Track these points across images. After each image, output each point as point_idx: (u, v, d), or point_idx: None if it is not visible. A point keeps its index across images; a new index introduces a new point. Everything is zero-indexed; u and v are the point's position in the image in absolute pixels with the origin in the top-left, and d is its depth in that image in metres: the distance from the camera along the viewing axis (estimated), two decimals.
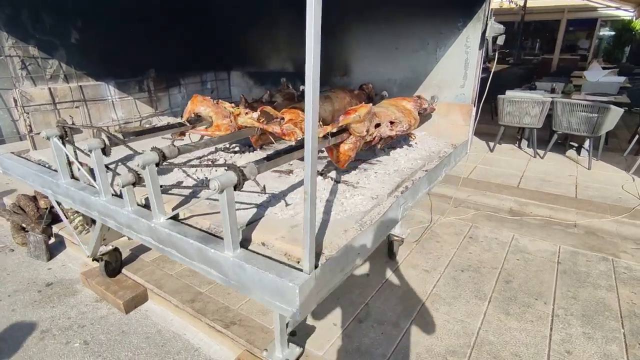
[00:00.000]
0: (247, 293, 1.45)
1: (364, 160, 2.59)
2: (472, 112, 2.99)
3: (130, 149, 1.79)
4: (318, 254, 1.53)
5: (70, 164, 2.18)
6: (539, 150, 6.13)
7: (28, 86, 2.74)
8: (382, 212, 1.87)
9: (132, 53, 3.27)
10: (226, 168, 1.39)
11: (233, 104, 2.46)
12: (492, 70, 2.90)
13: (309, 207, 1.26)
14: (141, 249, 3.34)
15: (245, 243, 1.61)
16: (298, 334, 2.48)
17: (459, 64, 2.97)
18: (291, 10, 3.63)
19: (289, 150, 1.78)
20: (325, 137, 1.94)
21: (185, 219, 1.82)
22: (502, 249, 3.56)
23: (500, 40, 2.71)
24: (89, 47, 3.01)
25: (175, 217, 1.81)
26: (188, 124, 2.29)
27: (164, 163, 1.69)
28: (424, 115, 3.04)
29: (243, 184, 1.40)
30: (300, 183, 2.18)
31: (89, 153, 1.75)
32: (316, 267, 1.42)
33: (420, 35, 3.08)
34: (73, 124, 2.17)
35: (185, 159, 2.58)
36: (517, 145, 6.62)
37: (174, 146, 1.71)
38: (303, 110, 2.20)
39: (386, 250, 3.37)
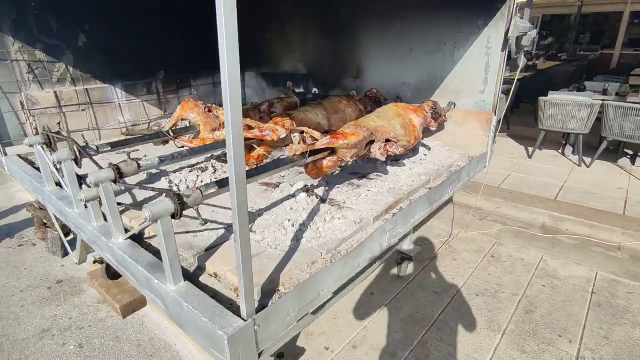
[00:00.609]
0: (186, 332, 1.30)
1: (360, 174, 2.36)
2: (492, 121, 2.65)
3: (96, 163, 1.68)
4: (271, 292, 1.34)
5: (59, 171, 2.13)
6: (585, 158, 5.51)
7: (35, 90, 2.75)
8: (361, 240, 1.64)
9: (141, 55, 3.22)
10: (165, 194, 1.23)
11: None
12: (517, 77, 2.54)
13: (239, 248, 1.07)
14: None
15: (198, 272, 1.46)
16: (286, 357, 2.31)
17: (479, 67, 2.65)
18: (304, 9, 3.43)
19: (261, 169, 1.59)
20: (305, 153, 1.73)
21: (150, 237, 1.70)
22: (527, 271, 3.18)
23: (526, 41, 2.35)
24: (96, 50, 2.98)
25: (140, 235, 1.69)
26: (171, 133, 2.17)
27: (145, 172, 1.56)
28: (436, 127, 2.74)
29: (181, 213, 1.23)
30: (284, 199, 1.99)
31: (57, 165, 1.65)
32: (263, 308, 1.23)
33: (436, 35, 2.79)
34: (59, 131, 2.11)
35: (176, 167, 2.47)
36: (560, 151, 6.00)
37: (133, 160, 1.58)
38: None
39: (396, 267, 3.11)
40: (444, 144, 2.90)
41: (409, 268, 3.07)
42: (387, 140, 2.05)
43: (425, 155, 2.68)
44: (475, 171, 2.63)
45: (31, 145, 2.03)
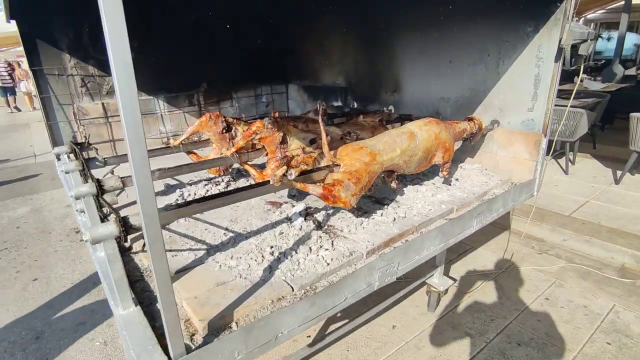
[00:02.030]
0: None
1: (374, 197, 2.14)
2: (541, 144, 2.26)
3: (91, 176, 1.72)
4: (219, 329, 1.22)
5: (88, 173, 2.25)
6: None
7: (86, 101, 2.98)
8: (341, 277, 1.45)
9: (185, 68, 3.35)
10: (114, 215, 1.18)
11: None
12: (574, 91, 2.13)
13: (158, 286, 0.96)
14: None
15: None
16: None
17: (527, 80, 2.28)
18: (342, 22, 3.31)
19: (233, 191, 1.49)
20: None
21: (136, 252, 1.69)
22: (589, 322, 2.65)
23: (584, 50, 1.95)
24: (143, 65, 3.15)
25: (128, 248, 1.69)
26: (181, 145, 2.17)
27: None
28: (473, 141, 2.42)
29: (125, 238, 1.17)
30: (280, 222, 1.87)
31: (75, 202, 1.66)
32: (196, 348, 1.12)
33: (478, 44, 2.47)
34: (84, 142, 2.23)
35: (194, 179, 2.49)
36: None
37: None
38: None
39: (427, 300, 2.80)
40: (484, 166, 2.55)
41: (438, 303, 2.74)
42: (390, 172, 1.82)
43: (457, 179, 2.37)
44: (516, 201, 2.25)
45: (57, 155, 2.17)
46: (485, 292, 2.96)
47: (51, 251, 3.94)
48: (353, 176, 1.62)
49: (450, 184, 2.32)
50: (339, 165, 1.65)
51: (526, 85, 2.29)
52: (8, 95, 13.70)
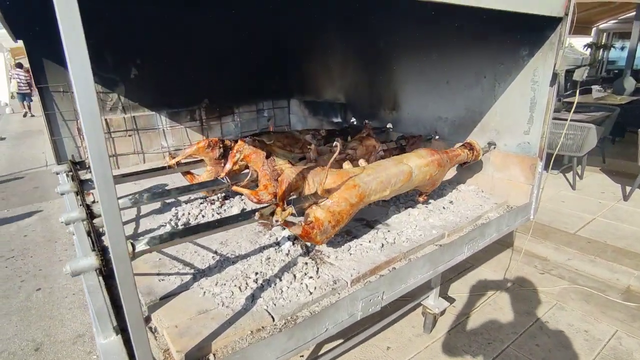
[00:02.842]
0: None
1: (366, 220, 2.14)
2: (537, 168, 2.23)
3: (82, 199, 1.76)
4: None
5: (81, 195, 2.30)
6: None
7: None
8: (323, 307, 1.45)
9: (187, 84, 3.41)
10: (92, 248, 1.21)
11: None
12: (569, 119, 2.10)
13: (129, 324, 0.98)
14: None
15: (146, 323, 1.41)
16: None
17: (523, 104, 2.26)
18: (344, 40, 3.34)
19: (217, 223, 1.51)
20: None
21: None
22: (589, 349, 2.59)
23: (578, 75, 1.93)
24: (146, 81, 3.22)
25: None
26: (175, 166, 2.20)
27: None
28: (466, 166, 2.40)
29: (106, 268, 1.20)
30: (268, 246, 1.88)
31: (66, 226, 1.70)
32: None
33: (475, 66, 2.46)
34: (83, 160, 2.28)
35: (192, 197, 2.52)
36: None
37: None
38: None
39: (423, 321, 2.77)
40: (480, 188, 2.53)
41: (434, 325, 2.71)
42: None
43: (451, 202, 2.35)
44: (510, 225, 2.22)
45: (57, 173, 2.22)
46: (483, 314, 2.92)
47: (56, 260, 4.02)
48: (334, 218, 1.65)
49: (445, 204, 2.31)
50: (325, 198, 1.67)
51: (522, 108, 2.27)
52: (25, 101, 14.15)
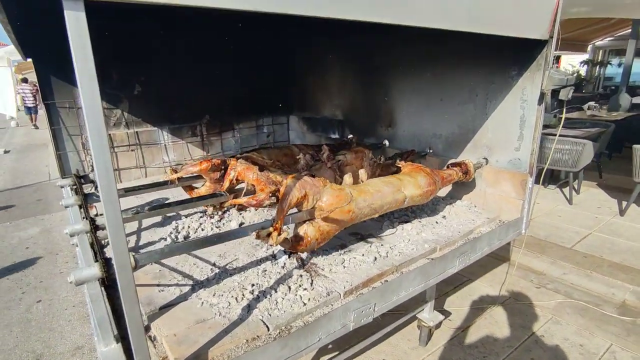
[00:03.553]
0: None
1: (360, 234, 2.20)
2: (527, 183, 2.30)
3: (86, 211, 1.83)
4: None
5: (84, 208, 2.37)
6: None
7: None
8: (316, 318, 1.50)
9: (189, 101, 3.51)
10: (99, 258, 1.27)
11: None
12: (557, 135, 2.18)
13: (129, 331, 1.04)
14: None
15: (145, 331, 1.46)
16: None
17: (513, 121, 2.35)
18: (342, 58, 3.46)
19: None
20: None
21: None
22: None
23: (564, 95, 2.01)
24: (148, 98, 3.32)
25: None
26: (176, 181, 2.27)
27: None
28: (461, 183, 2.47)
29: (109, 279, 1.26)
30: (265, 259, 1.94)
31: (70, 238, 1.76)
32: None
33: (467, 85, 2.56)
34: (87, 174, 2.36)
35: (192, 210, 2.58)
36: None
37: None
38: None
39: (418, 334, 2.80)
40: (472, 203, 2.59)
41: (430, 338, 2.74)
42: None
43: (444, 217, 2.41)
44: (502, 240, 2.28)
45: (62, 187, 2.30)
46: (479, 327, 2.95)
47: (57, 272, 4.07)
48: (323, 237, 1.75)
49: (438, 219, 2.37)
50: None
51: (512, 125, 2.35)
52: (32, 113, 14.44)
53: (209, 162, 2.26)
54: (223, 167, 2.29)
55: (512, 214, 2.39)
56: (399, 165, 2.31)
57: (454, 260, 2.00)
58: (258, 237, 1.59)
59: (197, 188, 2.42)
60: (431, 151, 2.87)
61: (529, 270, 3.70)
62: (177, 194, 2.87)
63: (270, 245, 1.61)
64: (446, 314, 3.01)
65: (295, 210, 1.79)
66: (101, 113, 0.94)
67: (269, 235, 1.59)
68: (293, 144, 2.78)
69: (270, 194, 1.77)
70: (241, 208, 2.03)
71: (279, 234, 1.61)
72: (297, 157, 2.41)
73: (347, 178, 1.90)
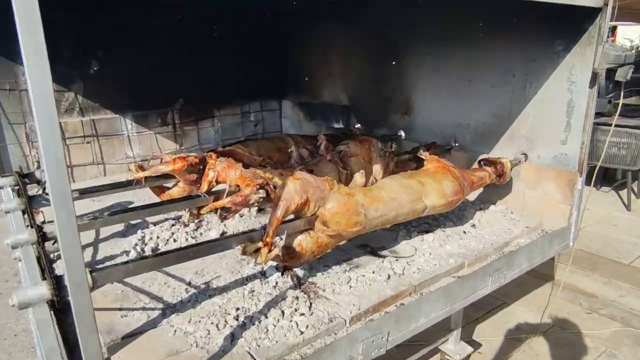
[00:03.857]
0: None
1: (370, 247, 2.20)
2: (576, 184, 2.31)
3: (31, 217, 1.83)
4: None
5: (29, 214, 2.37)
6: None
7: None
8: (316, 350, 1.50)
9: (159, 81, 3.51)
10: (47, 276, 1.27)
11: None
12: (613, 126, 2.20)
13: None
14: None
15: None
16: None
17: (558, 107, 2.38)
18: (348, 31, 3.48)
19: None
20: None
21: None
22: None
23: (621, 75, 2.03)
24: (108, 78, 3.33)
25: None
26: (142, 181, 2.27)
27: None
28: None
29: (60, 300, 1.26)
30: (252, 277, 1.94)
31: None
32: None
33: (502, 63, 2.60)
34: (32, 172, 2.36)
35: (161, 217, 2.59)
36: None
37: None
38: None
39: None
40: (508, 209, 2.62)
41: None
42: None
43: (474, 225, 2.42)
44: (545, 254, 2.30)
45: (0, 187, 2.30)
46: None
47: None
48: (320, 250, 1.77)
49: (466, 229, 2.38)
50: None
51: (558, 113, 2.37)
52: None
53: (184, 160, 2.25)
54: (202, 167, 2.29)
55: (558, 222, 2.41)
56: (422, 157, 2.30)
57: (486, 278, 2.01)
58: (244, 252, 1.59)
59: (168, 189, 2.42)
60: (457, 145, 2.89)
61: (577, 291, 3.71)
62: (143, 196, 2.87)
63: (258, 263, 1.62)
64: (475, 345, 3.02)
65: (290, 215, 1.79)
66: (52, 96, 0.94)
67: (257, 251, 1.60)
68: (288, 134, 2.78)
69: (258, 187, 1.76)
70: (224, 217, 2.02)
71: (270, 250, 1.61)
72: (290, 150, 2.41)
73: (359, 177, 1.90)
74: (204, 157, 2.32)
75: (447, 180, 2.15)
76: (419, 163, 2.66)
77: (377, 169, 2.00)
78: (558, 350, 3.06)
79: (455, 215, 2.52)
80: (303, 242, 1.77)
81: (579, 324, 3.31)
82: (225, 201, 1.84)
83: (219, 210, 1.88)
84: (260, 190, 1.82)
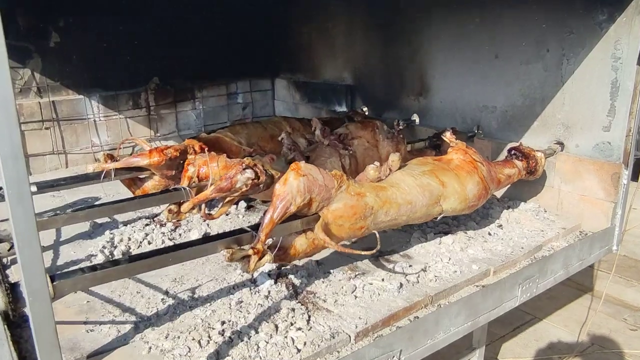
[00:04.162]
0: None
1: (379, 251, 2.20)
2: (621, 178, 2.31)
3: None
4: None
5: None
6: None
7: None
8: None
9: (130, 57, 3.49)
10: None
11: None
12: None
13: None
14: None
15: None
16: None
17: (600, 88, 2.39)
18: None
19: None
20: None
21: None
22: None
23: None
24: (71, 52, 3.31)
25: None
26: (111, 174, 2.27)
27: None
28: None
29: (16, 312, 1.26)
30: (240, 285, 1.94)
31: None
32: None
33: (534, 35, 2.59)
34: None
35: (134, 215, 2.59)
36: None
37: None
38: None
39: None
40: (541, 206, 2.63)
41: None
42: None
43: (500, 226, 2.42)
44: (584, 260, 2.30)
45: None
46: None
47: None
48: (314, 250, 1.83)
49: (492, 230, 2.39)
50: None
51: (600, 94, 2.37)
52: None
53: (161, 154, 2.25)
54: (182, 160, 2.28)
55: (599, 223, 2.41)
56: (447, 140, 2.27)
57: (515, 288, 2.01)
58: (231, 259, 1.58)
59: (142, 181, 2.42)
60: (481, 132, 2.89)
61: (620, 304, 3.73)
62: (112, 191, 2.87)
63: (247, 272, 1.61)
64: None
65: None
66: (8, 73, 0.93)
67: (246, 258, 1.59)
68: (284, 116, 2.76)
69: (244, 168, 1.76)
70: (210, 216, 2.02)
71: (261, 258, 1.60)
72: (280, 137, 2.40)
73: (372, 171, 1.86)
74: (185, 149, 2.32)
75: (472, 183, 2.13)
76: (438, 149, 2.66)
77: (396, 159, 1.95)
78: None
79: (478, 214, 2.52)
80: (297, 244, 1.77)
81: (623, 343, 3.33)
82: (208, 192, 1.84)
83: (203, 208, 1.87)
84: (247, 170, 1.82)
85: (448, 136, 2.29)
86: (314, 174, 1.71)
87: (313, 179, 1.70)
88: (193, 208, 1.96)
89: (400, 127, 2.66)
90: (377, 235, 1.83)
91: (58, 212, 1.95)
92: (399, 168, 2.01)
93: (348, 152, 2.42)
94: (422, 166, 2.10)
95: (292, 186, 1.66)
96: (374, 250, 1.81)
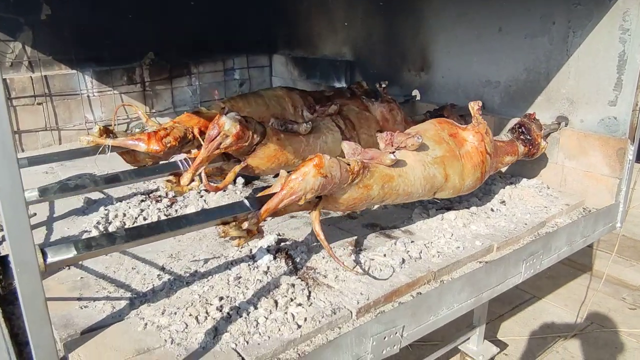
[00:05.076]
0: None
1: (380, 226, 2.18)
2: (627, 154, 2.28)
3: None
4: None
5: None
6: None
7: None
8: (318, 346, 1.47)
9: (125, 30, 3.44)
10: None
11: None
12: None
13: None
14: None
15: None
16: None
17: (608, 61, 2.36)
18: None
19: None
20: None
21: None
22: None
23: None
24: (63, 25, 3.25)
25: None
26: (107, 149, 2.23)
27: None
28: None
29: (6, 283, 1.21)
30: (238, 260, 1.91)
31: None
32: None
33: (539, 7, 2.55)
34: None
35: (129, 191, 2.55)
36: None
37: None
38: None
39: None
40: (544, 183, 2.62)
41: None
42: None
43: (503, 202, 2.40)
44: (587, 236, 2.28)
45: None
46: None
47: None
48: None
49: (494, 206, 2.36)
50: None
51: (606, 68, 2.34)
52: None
53: (160, 143, 2.21)
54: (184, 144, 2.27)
55: (603, 199, 2.39)
56: (472, 111, 2.14)
57: (519, 264, 1.99)
58: (224, 234, 1.56)
59: (136, 156, 2.38)
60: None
61: (619, 284, 3.73)
62: (106, 168, 2.82)
63: (235, 246, 1.59)
64: (501, 345, 3.03)
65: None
66: None
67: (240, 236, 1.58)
68: (287, 88, 2.70)
69: (226, 112, 1.75)
70: (215, 187, 1.99)
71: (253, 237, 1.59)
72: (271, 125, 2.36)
73: (387, 158, 1.79)
74: (184, 135, 2.29)
75: (472, 178, 2.09)
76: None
77: (407, 129, 1.97)
78: (596, 351, 3.08)
79: (481, 190, 2.49)
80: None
81: (622, 322, 3.34)
82: (202, 150, 1.81)
83: (204, 178, 1.84)
84: (231, 113, 1.78)
85: (476, 109, 2.15)
86: (334, 172, 1.64)
87: (331, 178, 1.64)
88: (193, 179, 1.93)
89: (384, 86, 2.69)
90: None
91: (50, 187, 1.90)
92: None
93: (344, 122, 2.43)
94: (437, 146, 2.00)
95: (309, 183, 1.61)
96: (362, 273, 1.81)
